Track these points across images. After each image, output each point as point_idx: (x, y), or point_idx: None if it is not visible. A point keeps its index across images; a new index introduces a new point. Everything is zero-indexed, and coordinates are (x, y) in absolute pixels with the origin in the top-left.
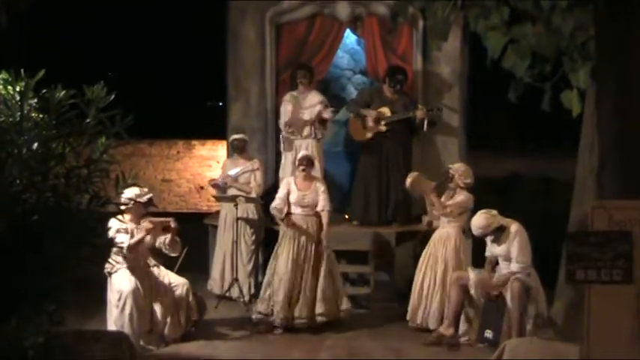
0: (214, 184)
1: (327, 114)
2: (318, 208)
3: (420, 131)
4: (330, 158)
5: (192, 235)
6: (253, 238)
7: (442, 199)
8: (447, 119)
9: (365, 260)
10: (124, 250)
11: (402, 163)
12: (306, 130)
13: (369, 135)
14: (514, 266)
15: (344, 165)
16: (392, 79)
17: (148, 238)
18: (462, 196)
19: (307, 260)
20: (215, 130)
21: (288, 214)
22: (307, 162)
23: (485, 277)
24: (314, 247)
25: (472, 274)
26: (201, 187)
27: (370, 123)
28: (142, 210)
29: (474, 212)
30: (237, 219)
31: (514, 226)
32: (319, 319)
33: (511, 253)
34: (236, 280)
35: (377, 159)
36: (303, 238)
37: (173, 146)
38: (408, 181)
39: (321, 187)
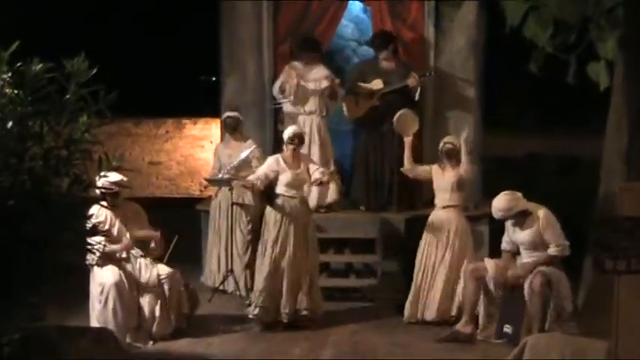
0: (211, 180)
1: (339, 88)
2: (315, 177)
3: (415, 102)
4: (333, 138)
5: (184, 222)
6: (250, 226)
7: (444, 173)
8: (461, 93)
9: (371, 249)
10: (102, 247)
11: (400, 143)
12: (311, 105)
13: (361, 112)
14: (553, 250)
15: (349, 146)
16: (373, 45)
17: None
18: (466, 166)
19: (297, 248)
20: (208, 108)
21: (278, 196)
22: (300, 140)
23: (503, 267)
24: (304, 233)
25: (489, 266)
26: (201, 191)
27: (362, 98)
28: (113, 198)
29: (492, 197)
30: (233, 204)
31: (542, 211)
32: (303, 313)
33: (546, 240)
34: (231, 271)
35: (374, 138)
36: (295, 223)
37: (162, 125)
38: (397, 115)
39: (311, 163)
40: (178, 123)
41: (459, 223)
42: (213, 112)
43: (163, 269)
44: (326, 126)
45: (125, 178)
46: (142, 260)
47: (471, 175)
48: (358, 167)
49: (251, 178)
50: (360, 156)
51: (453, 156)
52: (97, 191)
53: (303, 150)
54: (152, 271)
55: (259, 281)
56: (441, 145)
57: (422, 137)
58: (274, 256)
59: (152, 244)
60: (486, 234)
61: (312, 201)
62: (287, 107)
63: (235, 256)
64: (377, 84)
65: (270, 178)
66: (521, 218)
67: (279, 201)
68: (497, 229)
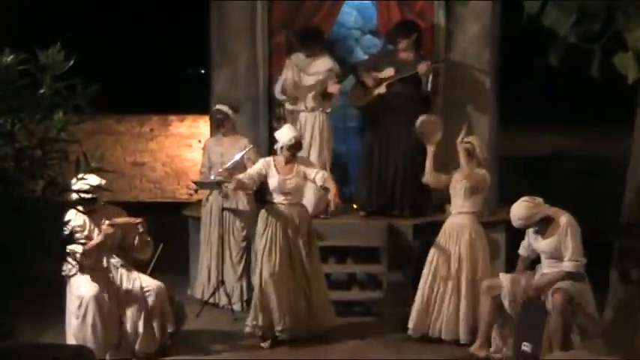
0: (200, 183)
1: (333, 88)
2: (311, 177)
3: (427, 92)
4: (339, 136)
5: (170, 229)
6: (244, 233)
7: (455, 177)
8: (475, 87)
9: (376, 258)
10: (78, 255)
11: (412, 139)
12: (311, 101)
13: (367, 99)
14: (567, 265)
15: (357, 144)
16: (392, 33)
17: (118, 234)
18: (483, 171)
19: (294, 259)
20: (196, 103)
21: (268, 202)
22: (298, 147)
23: (519, 279)
24: (302, 242)
25: (505, 282)
26: (191, 194)
27: (369, 86)
28: (89, 205)
29: (510, 201)
30: (224, 209)
31: (564, 218)
32: (307, 329)
33: (563, 250)
34: (222, 283)
35: (380, 134)
36: (289, 232)
37: (146, 122)
38: (419, 121)
39: (304, 166)
40: (164, 120)
41: (475, 231)
42: (202, 107)
43: (147, 281)
44: (329, 124)
45: (104, 181)
46: (123, 270)
47: (481, 182)
48: (363, 167)
49: (239, 176)
50: (365, 155)
51: (471, 157)
52: (74, 195)
53: (302, 151)
54: (134, 282)
55: (254, 296)
56: (458, 144)
57: None
58: (264, 268)
59: (136, 241)
60: (503, 242)
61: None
62: (289, 104)
63: (228, 266)
64: (387, 72)
65: (257, 179)
66: (543, 225)
67: (267, 208)
68: (515, 236)
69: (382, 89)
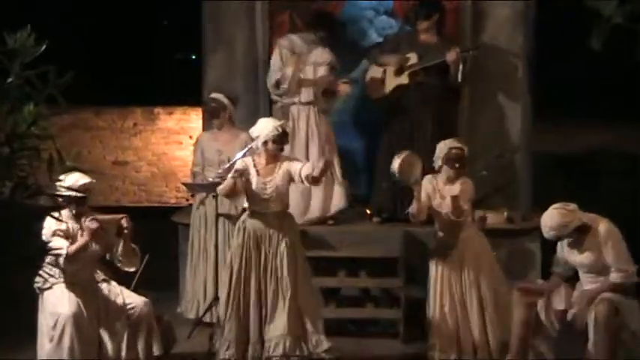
0: (192, 185)
1: (342, 88)
2: (297, 175)
3: (457, 84)
4: (345, 132)
5: (157, 237)
6: None
7: (445, 186)
8: (507, 75)
9: (393, 270)
10: (61, 262)
11: (437, 134)
12: (308, 93)
13: (386, 90)
14: (614, 276)
15: (365, 141)
16: (413, 16)
17: (100, 240)
18: (468, 183)
19: (265, 278)
20: (186, 94)
21: (246, 212)
22: (286, 139)
23: (551, 290)
24: (285, 258)
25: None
26: (187, 199)
27: (390, 74)
28: (79, 205)
29: (544, 206)
30: (219, 216)
31: (603, 225)
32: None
33: (605, 262)
34: (217, 299)
35: (402, 130)
36: (267, 250)
37: (129, 116)
38: (396, 163)
39: (289, 163)
40: (149, 113)
41: (479, 238)
42: (193, 99)
43: (131, 296)
44: (327, 120)
45: (93, 180)
46: (104, 285)
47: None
48: (381, 168)
49: (221, 187)
50: (384, 154)
51: (461, 164)
52: (65, 192)
53: (299, 149)
54: (117, 298)
55: (227, 326)
56: (446, 149)
57: (457, 128)
58: (235, 289)
59: (119, 248)
60: (538, 252)
61: (315, 212)
62: (274, 94)
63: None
64: (410, 58)
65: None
66: (579, 235)
67: (243, 218)
68: (551, 245)
69: (404, 79)
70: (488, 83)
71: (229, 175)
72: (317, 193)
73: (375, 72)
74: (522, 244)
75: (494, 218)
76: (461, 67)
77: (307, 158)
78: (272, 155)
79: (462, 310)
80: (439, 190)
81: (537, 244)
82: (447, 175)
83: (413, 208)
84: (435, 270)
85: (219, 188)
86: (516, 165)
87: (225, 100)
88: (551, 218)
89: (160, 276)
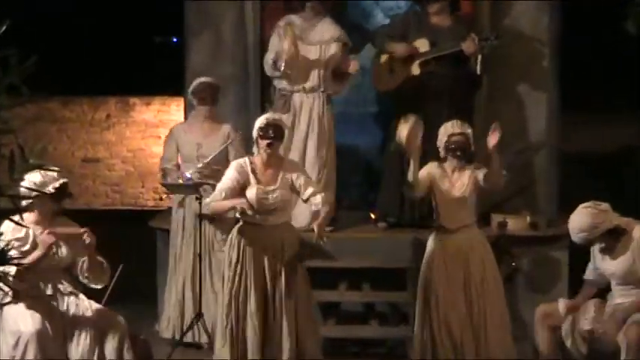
0: (172, 185)
1: (352, 66)
2: (313, 205)
3: (475, 76)
4: (347, 124)
5: (133, 245)
6: None
7: (451, 180)
8: (531, 64)
9: (400, 283)
10: (11, 277)
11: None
12: (312, 78)
13: (395, 82)
14: None
15: (371, 135)
16: None
17: (64, 251)
18: (480, 169)
19: (276, 297)
20: (166, 82)
21: (242, 222)
22: (276, 133)
23: (585, 306)
24: (284, 273)
25: (565, 310)
26: (161, 198)
27: (399, 64)
28: (51, 206)
29: (570, 211)
30: (201, 218)
31: (639, 230)
32: None
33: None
34: (200, 316)
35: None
36: (266, 264)
37: (101, 107)
38: (404, 129)
39: (295, 174)
40: (124, 103)
41: (483, 243)
42: (174, 87)
43: (102, 313)
44: (331, 111)
45: (65, 179)
46: (72, 299)
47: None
48: (389, 168)
49: (208, 201)
50: (393, 151)
51: (464, 152)
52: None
53: (297, 145)
54: (86, 314)
55: (217, 340)
56: (445, 137)
57: (473, 123)
58: (234, 307)
59: (85, 263)
60: (566, 262)
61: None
62: (280, 82)
63: (208, 293)
64: (420, 45)
65: (235, 193)
66: (611, 240)
67: (240, 230)
68: (580, 254)
69: (414, 69)
70: (509, 72)
71: (220, 190)
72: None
73: (381, 61)
74: (548, 252)
75: (516, 224)
76: (480, 58)
77: (304, 154)
78: (269, 157)
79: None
80: (448, 176)
81: (565, 252)
82: (452, 166)
83: (411, 175)
84: (429, 271)
85: (212, 206)
86: (541, 163)
87: (218, 84)
88: (580, 218)
89: (136, 289)
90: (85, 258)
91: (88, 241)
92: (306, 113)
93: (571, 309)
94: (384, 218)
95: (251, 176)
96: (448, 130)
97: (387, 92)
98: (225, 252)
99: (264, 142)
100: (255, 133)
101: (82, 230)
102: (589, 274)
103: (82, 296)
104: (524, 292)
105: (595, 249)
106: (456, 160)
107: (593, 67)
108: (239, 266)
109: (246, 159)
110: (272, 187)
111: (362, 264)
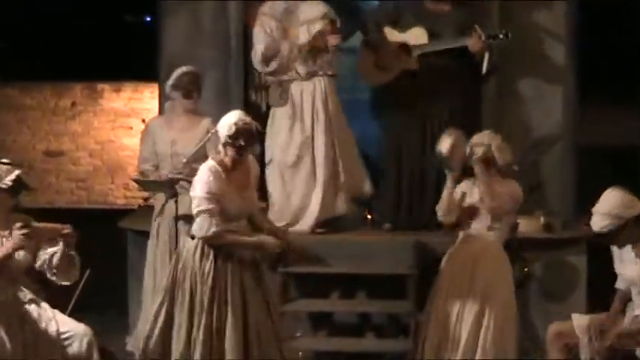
0: (146, 182)
1: (331, 39)
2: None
3: (484, 76)
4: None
5: (101, 247)
6: None
7: (468, 191)
8: (545, 55)
9: (400, 291)
10: None
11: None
12: (307, 63)
13: (389, 76)
14: None
15: (362, 123)
16: None
17: (22, 253)
18: (512, 184)
19: (254, 317)
20: (138, 66)
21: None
22: (248, 141)
23: (603, 322)
24: (260, 286)
25: (580, 328)
26: (144, 200)
27: (392, 55)
28: (8, 201)
29: (588, 211)
30: (178, 219)
31: None
32: None
33: None
34: None
35: (412, 124)
36: (233, 279)
37: (65, 93)
38: (447, 143)
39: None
40: (91, 90)
41: (499, 254)
42: (147, 73)
43: (67, 323)
44: (336, 94)
45: (21, 170)
46: (34, 307)
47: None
48: (387, 164)
49: (205, 229)
50: (389, 148)
51: (489, 165)
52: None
53: (301, 140)
54: (49, 325)
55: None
56: (468, 149)
57: (480, 116)
58: (203, 322)
59: (56, 255)
60: (583, 268)
61: (312, 215)
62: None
63: None
64: (417, 35)
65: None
66: (632, 239)
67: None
68: (600, 259)
69: (412, 63)
70: (520, 61)
71: (211, 215)
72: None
73: (369, 52)
74: (563, 257)
75: (529, 225)
76: (487, 56)
77: (313, 154)
78: (235, 159)
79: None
80: (476, 187)
81: (582, 257)
82: (481, 179)
83: (440, 207)
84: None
85: (228, 239)
86: (555, 159)
87: (200, 73)
88: (609, 199)
89: (105, 296)
90: (55, 250)
91: (66, 231)
92: (309, 102)
93: (597, 324)
94: (383, 220)
95: (226, 182)
96: (472, 141)
97: (379, 87)
98: (187, 263)
99: (233, 150)
100: (222, 138)
101: (62, 226)
102: (621, 284)
103: (44, 305)
104: (537, 301)
105: (616, 251)
106: (482, 173)
107: (615, 57)
108: (216, 281)
109: (214, 164)
110: (248, 192)
111: (357, 270)
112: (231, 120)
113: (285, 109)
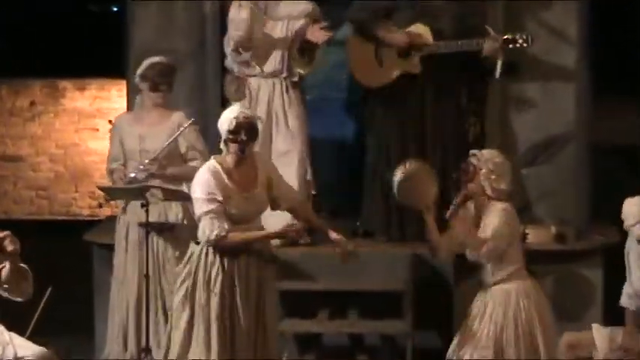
0: (112, 189)
1: (317, 34)
2: (287, 203)
3: (493, 79)
4: (320, 113)
5: (64, 263)
6: (184, 267)
7: (461, 223)
8: (555, 52)
9: (396, 310)
10: None
11: (463, 138)
12: (272, 62)
13: (385, 79)
14: None
15: (342, 125)
16: None
17: None
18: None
19: (244, 319)
20: (105, 62)
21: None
22: (250, 135)
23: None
24: (257, 291)
25: (600, 339)
26: (100, 205)
27: (390, 55)
28: None
29: (606, 218)
30: (148, 228)
31: None
32: None
33: None
34: (147, 350)
35: (409, 132)
36: (239, 284)
37: (23, 92)
38: (398, 174)
39: (274, 175)
40: (52, 88)
41: (523, 296)
42: (114, 68)
43: (25, 347)
44: (300, 95)
45: None
46: None
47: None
48: (373, 172)
49: (215, 240)
50: (376, 154)
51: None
52: None
53: (263, 140)
54: (5, 349)
55: None
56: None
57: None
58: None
59: (5, 272)
60: (599, 283)
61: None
62: (232, 63)
63: (158, 322)
64: (422, 33)
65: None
66: None
67: (202, 249)
68: (616, 272)
69: (413, 66)
70: (528, 62)
71: (215, 216)
72: None
73: (362, 46)
74: (577, 270)
75: (538, 235)
76: (500, 61)
77: (269, 154)
78: (238, 157)
79: None
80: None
81: (598, 271)
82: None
83: (430, 243)
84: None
85: (235, 240)
86: (568, 163)
87: (174, 65)
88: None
89: (69, 316)
90: (4, 265)
91: (10, 248)
92: (264, 102)
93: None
94: (376, 232)
95: (228, 183)
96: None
97: (374, 90)
98: (188, 271)
99: (235, 146)
100: (223, 134)
101: (3, 234)
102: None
103: (0, 327)
104: None
105: (632, 259)
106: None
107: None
108: (220, 285)
109: (214, 163)
110: (253, 191)
111: (347, 286)
112: (231, 114)
113: (242, 103)
